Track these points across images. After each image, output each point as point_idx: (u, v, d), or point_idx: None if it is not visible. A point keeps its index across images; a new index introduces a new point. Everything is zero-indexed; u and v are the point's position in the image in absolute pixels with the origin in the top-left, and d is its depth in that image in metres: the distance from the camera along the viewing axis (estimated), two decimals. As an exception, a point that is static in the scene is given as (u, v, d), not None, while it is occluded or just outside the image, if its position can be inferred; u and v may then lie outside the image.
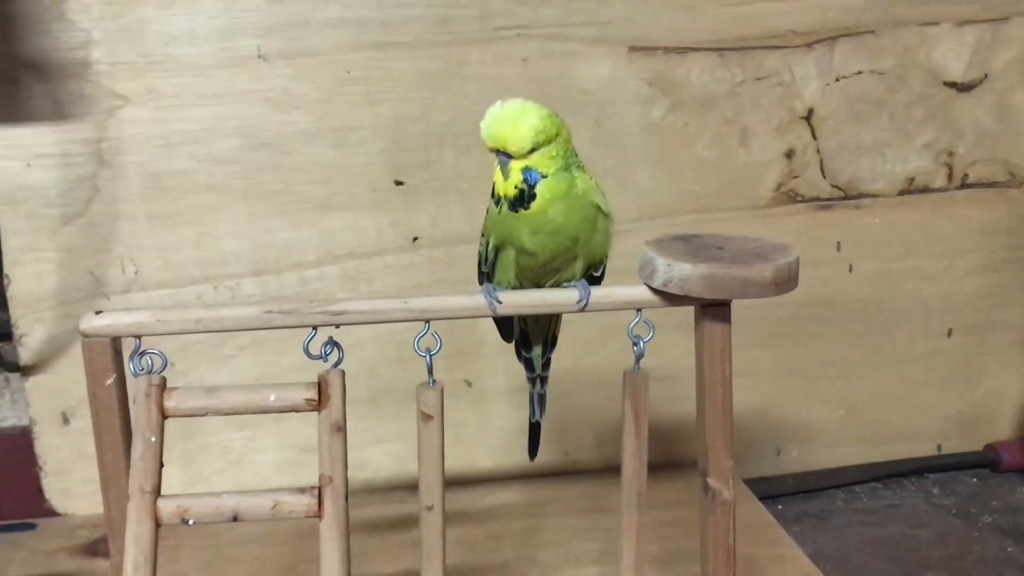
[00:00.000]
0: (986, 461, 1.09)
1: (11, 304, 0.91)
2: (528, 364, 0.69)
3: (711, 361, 0.60)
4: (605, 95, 0.95)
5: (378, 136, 0.93)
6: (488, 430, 1.01)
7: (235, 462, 0.98)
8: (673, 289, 0.57)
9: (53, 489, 0.96)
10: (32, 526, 0.94)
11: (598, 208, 0.61)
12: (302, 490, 0.54)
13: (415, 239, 0.96)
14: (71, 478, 0.95)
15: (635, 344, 0.61)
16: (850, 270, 1.03)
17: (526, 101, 0.59)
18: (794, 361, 1.05)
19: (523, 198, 0.59)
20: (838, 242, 1.03)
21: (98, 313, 0.56)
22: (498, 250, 0.62)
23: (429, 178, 0.95)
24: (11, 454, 0.96)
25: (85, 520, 0.95)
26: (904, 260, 1.04)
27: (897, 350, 1.07)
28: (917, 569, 0.89)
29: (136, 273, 0.92)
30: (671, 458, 0.99)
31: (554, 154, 0.58)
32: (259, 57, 0.90)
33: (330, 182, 0.94)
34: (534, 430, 0.71)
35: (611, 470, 1.03)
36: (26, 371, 0.93)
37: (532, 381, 0.70)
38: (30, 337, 0.92)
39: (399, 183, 0.95)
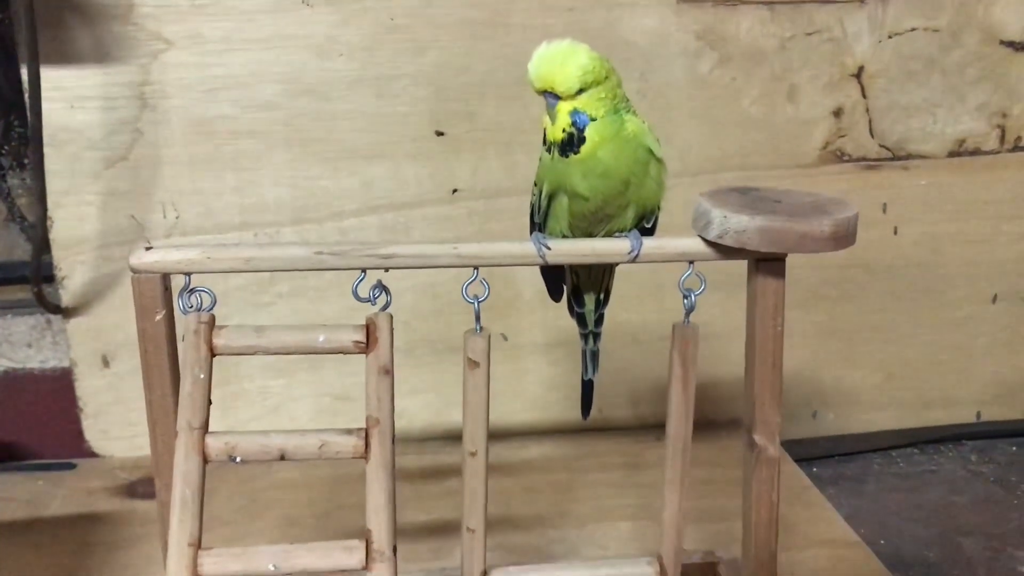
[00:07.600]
0: (1026, 430, 1.08)
1: (53, 246, 0.91)
2: (580, 319, 0.67)
3: (763, 316, 0.59)
4: (652, 47, 0.93)
5: (420, 85, 0.92)
6: (523, 384, 1.01)
7: (272, 409, 0.98)
8: (728, 241, 0.56)
9: (93, 430, 0.97)
10: (72, 466, 0.96)
11: (650, 152, 0.59)
12: (349, 431, 0.54)
13: (455, 191, 0.95)
14: (110, 420, 0.96)
15: (685, 297, 0.60)
16: (895, 232, 1.02)
17: (575, 41, 0.57)
18: (834, 323, 1.03)
19: (572, 142, 0.57)
20: (884, 203, 1.01)
21: (148, 248, 0.56)
22: (551, 198, 0.61)
23: (470, 129, 0.94)
24: (52, 395, 0.97)
25: (123, 462, 0.96)
26: (951, 223, 1.02)
27: (940, 315, 1.05)
28: (955, 535, 0.89)
29: (177, 218, 0.92)
30: (702, 417, 0.97)
31: (603, 96, 0.57)
32: (303, 3, 0.89)
33: (371, 131, 0.93)
34: (587, 388, 0.69)
35: (644, 428, 1.03)
36: (67, 313, 0.93)
37: (584, 337, 0.68)
38: (71, 279, 0.92)
39: (440, 133, 0.94)
